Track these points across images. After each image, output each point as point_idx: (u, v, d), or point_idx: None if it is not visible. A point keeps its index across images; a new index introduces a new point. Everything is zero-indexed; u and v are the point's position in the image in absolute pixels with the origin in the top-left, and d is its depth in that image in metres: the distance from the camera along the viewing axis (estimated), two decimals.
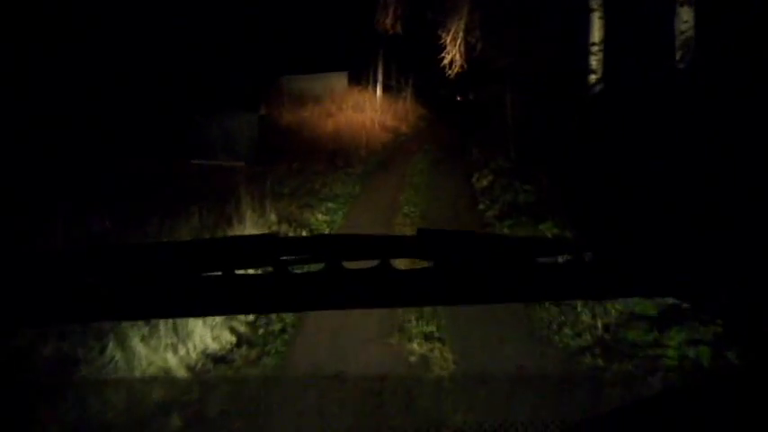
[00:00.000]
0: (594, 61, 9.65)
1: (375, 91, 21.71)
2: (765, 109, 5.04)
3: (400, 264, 0.81)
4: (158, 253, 0.92)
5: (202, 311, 0.89)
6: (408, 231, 7.01)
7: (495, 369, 3.85)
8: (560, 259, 0.90)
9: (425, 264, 0.83)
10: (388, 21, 13.91)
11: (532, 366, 3.98)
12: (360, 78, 22.19)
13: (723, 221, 4.45)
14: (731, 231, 4.19)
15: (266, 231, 6.45)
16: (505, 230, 7.54)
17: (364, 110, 19.14)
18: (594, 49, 9.65)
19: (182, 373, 3.76)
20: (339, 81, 21.54)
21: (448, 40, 12.79)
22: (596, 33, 9.64)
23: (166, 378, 3.61)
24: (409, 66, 23.26)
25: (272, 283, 0.82)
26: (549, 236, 6.70)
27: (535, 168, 9.26)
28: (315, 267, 0.83)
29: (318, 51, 20.23)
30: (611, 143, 7.37)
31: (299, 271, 0.83)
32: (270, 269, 0.82)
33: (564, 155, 8.60)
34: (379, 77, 21.78)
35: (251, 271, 0.86)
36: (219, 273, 0.81)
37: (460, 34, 12.65)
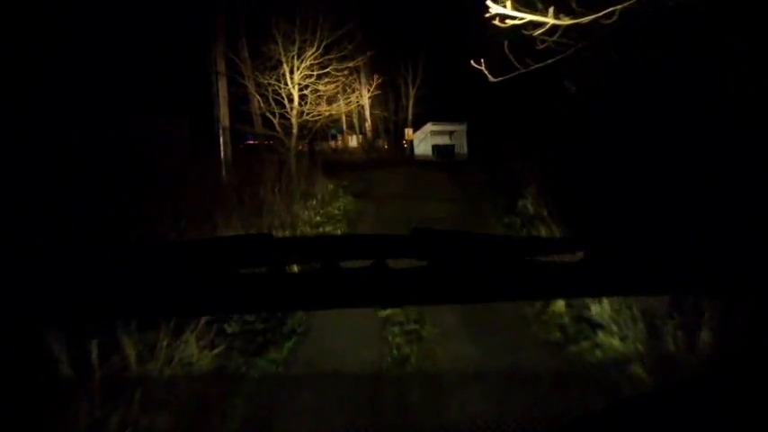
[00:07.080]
0: None
1: (220, 149, 9.85)
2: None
3: (395, 263, 0.81)
4: (153, 254, 0.91)
5: (197, 311, 0.89)
6: None
7: (489, 368, 3.86)
8: (555, 258, 0.91)
9: (420, 263, 0.83)
10: None
11: None
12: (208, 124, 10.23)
13: (719, 217, 4.46)
14: (728, 228, 4.21)
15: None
16: None
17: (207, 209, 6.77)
18: None
19: None
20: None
21: None
22: None
23: (164, 376, 3.60)
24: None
25: (268, 283, 0.82)
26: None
27: None
28: (310, 267, 0.83)
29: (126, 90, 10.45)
30: (604, 140, 7.23)
31: (294, 270, 0.83)
32: (265, 269, 0.82)
33: None
34: (223, 118, 10.09)
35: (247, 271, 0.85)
36: (215, 272, 0.81)
37: None
